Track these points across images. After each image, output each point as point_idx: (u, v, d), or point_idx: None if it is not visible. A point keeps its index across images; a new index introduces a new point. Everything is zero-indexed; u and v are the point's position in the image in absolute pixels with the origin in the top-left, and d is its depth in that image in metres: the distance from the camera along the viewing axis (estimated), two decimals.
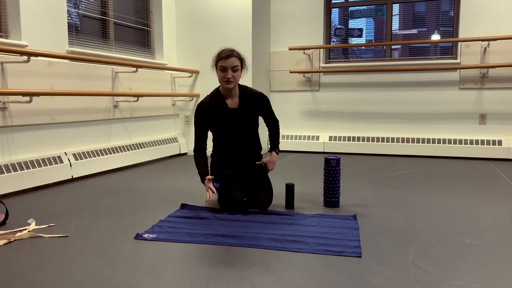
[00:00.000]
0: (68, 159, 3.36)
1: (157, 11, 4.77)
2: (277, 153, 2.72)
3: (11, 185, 2.87)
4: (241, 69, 2.53)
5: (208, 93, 2.64)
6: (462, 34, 4.65)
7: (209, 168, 2.65)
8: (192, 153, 5.07)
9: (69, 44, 3.55)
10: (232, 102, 2.58)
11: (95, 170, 3.61)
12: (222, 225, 2.17)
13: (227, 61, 2.44)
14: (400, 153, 4.89)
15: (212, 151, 2.71)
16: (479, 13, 4.58)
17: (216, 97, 2.57)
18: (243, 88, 2.62)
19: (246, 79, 4.61)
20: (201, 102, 2.58)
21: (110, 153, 3.80)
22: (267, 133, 2.79)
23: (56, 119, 3.32)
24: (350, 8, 5.25)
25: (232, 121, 2.56)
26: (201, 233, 2.04)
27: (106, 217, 2.36)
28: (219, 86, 2.61)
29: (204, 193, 2.86)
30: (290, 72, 5.15)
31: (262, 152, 2.76)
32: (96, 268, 1.64)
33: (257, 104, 2.63)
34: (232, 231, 2.07)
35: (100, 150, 3.71)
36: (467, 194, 2.92)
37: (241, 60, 2.52)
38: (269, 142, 2.77)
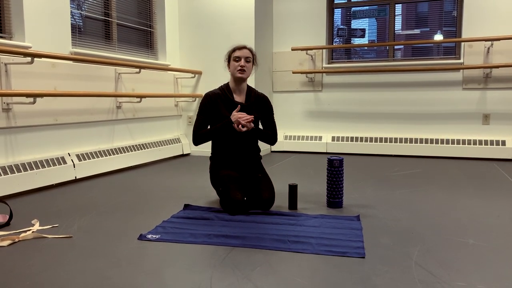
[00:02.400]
0: (72, 160, 3.37)
1: (160, 12, 4.78)
2: (253, 128, 2.59)
3: (15, 185, 2.88)
4: (252, 64, 2.63)
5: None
6: (465, 34, 4.64)
7: (208, 170, 2.67)
8: (195, 154, 5.07)
9: (72, 45, 3.56)
10: (239, 97, 2.66)
11: (99, 170, 3.62)
12: (225, 226, 2.18)
13: (241, 51, 2.57)
14: (403, 153, 4.88)
15: (212, 152, 2.72)
16: (482, 13, 4.57)
17: (225, 90, 2.65)
18: (250, 88, 2.72)
19: (249, 80, 4.61)
20: (210, 92, 2.67)
21: (113, 154, 3.81)
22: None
23: (60, 120, 3.33)
24: (353, 9, 5.25)
25: None
26: (204, 233, 2.04)
27: (109, 218, 2.37)
28: (228, 82, 2.70)
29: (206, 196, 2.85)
30: (293, 73, 5.15)
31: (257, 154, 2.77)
32: (99, 269, 1.65)
33: (261, 104, 2.70)
34: (235, 231, 2.07)
35: (104, 151, 3.72)
36: (470, 194, 2.91)
37: (253, 54, 2.63)
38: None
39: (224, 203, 2.46)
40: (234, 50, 2.60)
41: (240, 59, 2.56)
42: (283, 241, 1.92)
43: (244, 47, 2.59)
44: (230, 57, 2.61)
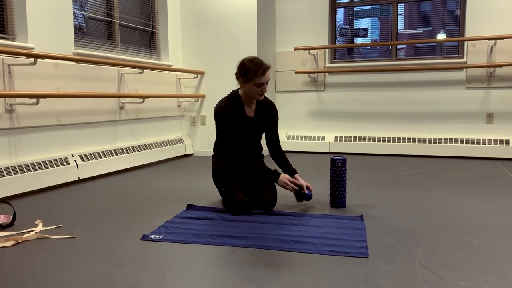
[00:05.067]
0: (75, 160, 3.38)
1: (162, 13, 4.78)
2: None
3: (19, 186, 2.89)
4: None
5: (224, 96, 2.61)
6: (468, 33, 4.62)
7: (211, 169, 2.67)
8: (198, 155, 5.07)
9: (75, 46, 3.57)
10: (250, 110, 2.59)
11: (102, 171, 3.63)
12: (228, 226, 2.18)
13: (265, 77, 2.42)
14: (406, 153, 4.86)
15: (214, 152, 2.71)
16: (486, 11, 4.55)
17: (236, 103, 2.53)
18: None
19: None
20: (224, 106, 2.50)
21: (116, 154, 3.82)
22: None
23: (63, 121, 3.33)
24: (355, 8, 5.24)
25: (247, 129, 2.58)
26: (207, 233, 2.04)
27: (112, 218, 2.37)
28: (237, 89, 2.58)
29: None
30: (296, 73, 5.15)
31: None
32: (102, 269, 1.65)
33: (269, 115, 2.67)
34: (238, 231, 2.07)
35: (107, 151, 3.73)
36: (474, 194, 2.90)
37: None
38: (281, 166, 2.70)
39: (227, 203, 2.46)
40: (257, 74, 2.38)
41: (264, 84, 2.44)
42: (286, 241, 1.92)
43: (266, 70, 2.42)
44: (252, 79, 2.40)
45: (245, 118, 2.55)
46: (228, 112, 2.49)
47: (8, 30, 3.06)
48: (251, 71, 2.40)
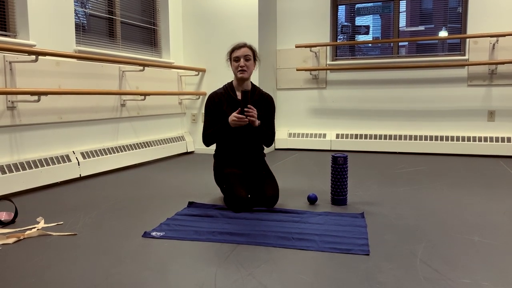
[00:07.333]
0: (76, 157, 3.38)
1: (163, 10, 4.78)
2: (259, 124, 2.58)
3: (20, 184, 2.89)
4: (254, 61, 2.60)
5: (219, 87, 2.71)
6: (470, 30, 4.61)
7: (213, 169, 2.68)
8: (199, 152, 5.07)
9: (76, 43, 3.57)
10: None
11: (103, 168, 3.63)
12: (229, 223, 2.18)
13: (239, 51, 2.56)
14: (407, 150, 4.86)
15: (215, 150, 2.71)
16: (487, 8, 4.53)
17: (228, 89, 2.65)
18: (255, 86, 2.70)
19: (252, 77, 4.61)
20: (213, 92, 2.66)
21: (118, 152, 3.82)
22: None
23: (64, 118, 3.34)
24: (357, 5, 5.23)
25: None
26: (208, 231, 2.04)
27: (114, 215, 2.37)
28: (232, 80, 2.69)
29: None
30: (297, 70, 5.14)
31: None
32: (104, 266, 1.65)
33: (264, 103, 2.68)
34: (239, 229, 2.07)
35: (108, 149, 3.73)
36: (475, 191, 2.90)
37: (253, 51, 2.60)
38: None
39: (228, 201, 2.46)
40: (233, 50, 2.58)
41: (239, 59, 2.54)
42: (287, 238, 1.92)
43: (243, 46, 2.57)
44: (231, 57, 2.60)
45: (237, 101, 2.59)
46: (217, 97, 2.62)
47: (10, 27, 3.06)
48: (231, 48, 2.61)
